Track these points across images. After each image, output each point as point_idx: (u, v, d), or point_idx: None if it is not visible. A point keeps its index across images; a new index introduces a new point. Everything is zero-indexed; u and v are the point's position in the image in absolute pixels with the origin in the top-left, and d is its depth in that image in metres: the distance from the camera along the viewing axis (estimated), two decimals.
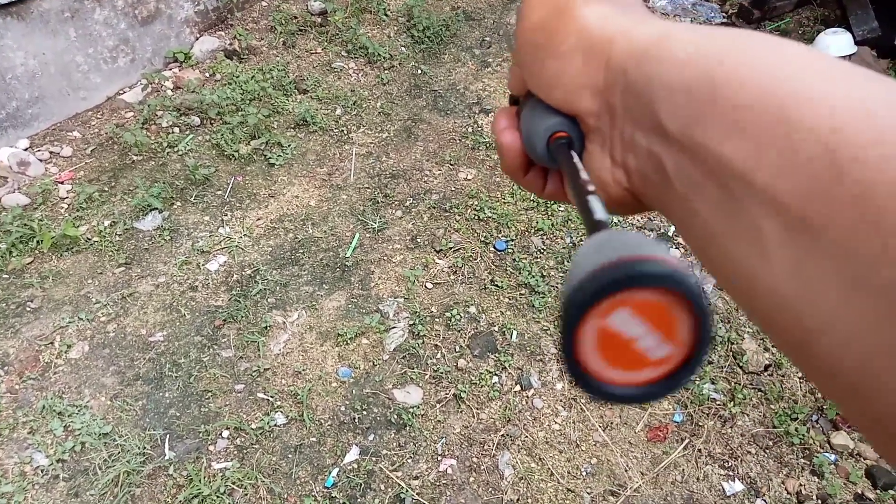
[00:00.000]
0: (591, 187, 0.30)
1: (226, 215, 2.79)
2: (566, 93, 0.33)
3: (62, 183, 2.88)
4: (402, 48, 3.72)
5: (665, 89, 0.27)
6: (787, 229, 0.22)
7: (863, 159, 0.20)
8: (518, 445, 2.11)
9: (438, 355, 2.33)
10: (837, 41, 3.63)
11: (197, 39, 3.59)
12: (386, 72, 3.56)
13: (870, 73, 0.23)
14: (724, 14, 4.10)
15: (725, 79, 0.25)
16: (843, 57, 3.60)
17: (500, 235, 2.73)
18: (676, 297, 0.22)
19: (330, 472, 2.03)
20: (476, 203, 2.85)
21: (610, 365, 0.24)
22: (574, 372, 0.24)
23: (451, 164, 3.06)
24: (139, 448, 2.05)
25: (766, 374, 2.29)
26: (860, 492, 1.99)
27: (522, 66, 0.36)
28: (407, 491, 1.99)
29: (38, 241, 2.57)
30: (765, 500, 1.99)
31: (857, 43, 3.64)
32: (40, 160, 2.96)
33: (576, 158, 0.33)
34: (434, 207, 2.85)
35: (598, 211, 0.28)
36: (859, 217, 0.20)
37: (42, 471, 2.00)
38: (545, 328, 2.42)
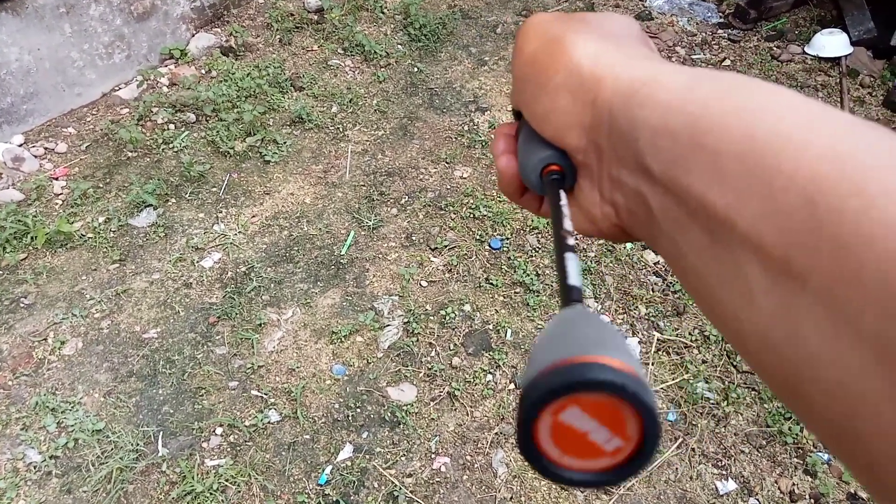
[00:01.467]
0: (570, 240, 0.31)
1: (221, 212, 2.79)
2: (555, 129, 0.33)
3: (57, 179, 2.87)
4: (399, 46, 3.71)
5: (649, 132, 0.27)
6: (770, 276, 0.22)
7: (841, 210, 0.20)
8: (512, 444, 2.11)
9: (433, 353, 2.33)
10: (833, 41, 3.64)
11: (193, 36, 3.58)
12: (382, 69, 3.56)
13: (853, 120, 0.23)
14: (720, 14, 4.10)
15: (708, 124, 0.25)
16: (840, 57, 3.61)
17: (495, 234, 2.73)
18: (621, 401, 0.23)
19: (323, 470, 2.03)
20: (471, 201, 2.85)
21: (565, 453, 0.25)
22: (531, 457, 0.25)
23: (447, 163, 3.05)
24: (132, 445, 2.05)
25: None
26: (853, 491, 2.00)
27: (517, 96, 0.36)
28: (400, 489, 1.99)
29: (32, 238, 2.57)
30: (758, 500, 2.00)
31: (853, 43, 3.65)
32: (35, 156, 2.95)
33: (563, 200, 0.33)
34: (429, 205, 2.85)
35: (573, 275, 0.29)
36: (840, 267, 0.20)
37: (35, 467, 1.99)
38: (540, 326, 2.42)
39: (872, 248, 0.19)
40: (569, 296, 0.28)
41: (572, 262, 0.29)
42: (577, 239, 0.31)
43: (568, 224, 0.32)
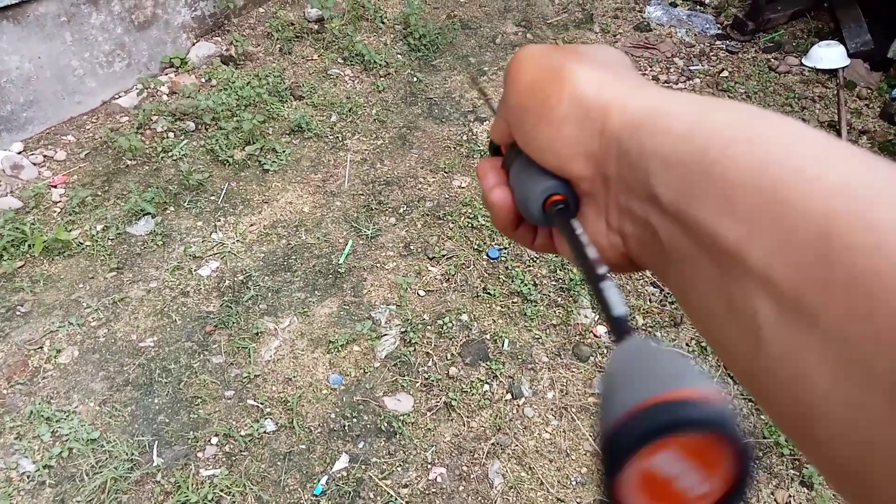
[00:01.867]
0: (601, 268, 0.30)
1: (219, 221, 2.79)
2: (559, 158, 0.32)
3: (55, 187, 2.87)
4: (399, 56, 3.73)
5: (659, 161, 0.27)
6: (781, 312, 0.22)
7: (855, 246, 0.20)
8: (508, 454, 2.10)
9: (430, 363, 2.33)
10: (831, 53, 3.66)
11: (193, 45, 3.60)
12: (382, 79, 3.57)
13: (865, 154, 0.22)
14: (718, 25, 4.12)
15: (718, 154, 0.25)
16: (837, 69, 3.63)
17: (493, 243, 2.73)
18: (720, 437, 0.22)
19: (319, 480, 2.02)
20: (470, 211, 2.85)
21: (649, 502, 0.23)
22: None
23: (446, 172, 3.06)
24: (127, 454, 2.04)
25: None
26: None
27: (513, 126, 0.35)
28: (396, 499, 1.98)
29: (29, 245, 2.57)
30: None
31: (850, 55, 3.67)
32: (34, 164, 2.95)
33: (579, 229, 0.32)
34: (428, 215, 2.85)
35: (617, 304, 0.28)
36: (852, 305, 0.19)
37: (28, 477, 1.98)
38: (537, 336, 2.41)
39: (885, 286, 0.19)
40: (621, 328, 0.27)
41: (612, 291, 0.28)
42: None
43: (593, 252, 0.31)
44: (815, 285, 0.20)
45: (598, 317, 2.49)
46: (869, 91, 3.53)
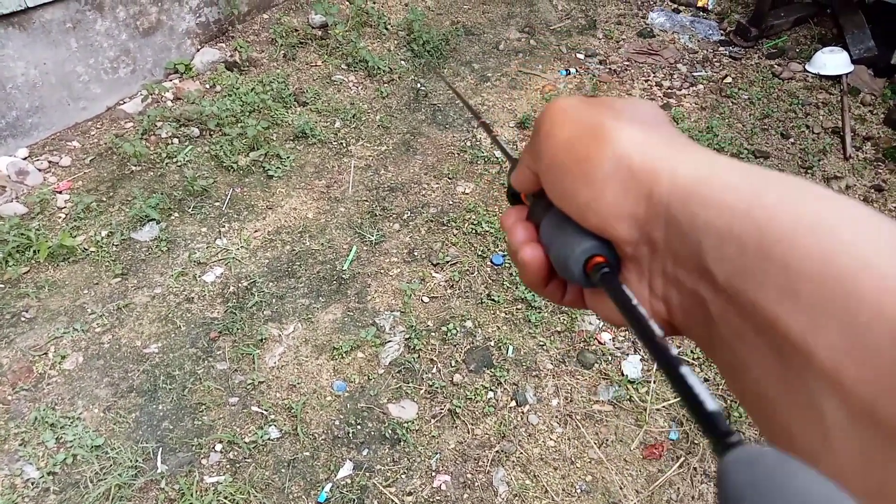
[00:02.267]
0: (673, 348, 0.26)
1: (223, 227, 2.79)
2: (601, 219, 0.31)
3: (60, 193, 2.88)
4: (402, 62, 3.74)
5: (713, 236, 0.26)
6: (854, 419, 0.20)
7: None
8: (513, 462, 2.10)
9: (434, 370, 2.32)
10: (834, 59, 3.66)
11: (198, 51, 3.61)
12: (385, 85, 3.58)
13: None
14: (721, 31, 4.13)
15: (778, 235, 0.23)
16: (840, 75, 3.63)
17: (497, 249, 2.73)
18: None
19: (323, 488, 2.01)
20: (474, 217, 2.85)
21: None
22: None
23: (450, 178, 3.06)
24: (131, 461, 2.04)
25: None
26: None
27: (547, 183, 0.34)
28: None
29: (34, 251, 2.57)
30: None
31: (853, 62, 3.67)
32: (39, 170, 2.96)
33: (635, 299, 0.30)
34: (432, 221, 2.85)
35: (705, 395, 0.24)
36: None
37: (33, 483, 1.98)
38: (541, 343, 2.41)
39: None
40: (723, 432, 0.22)
41: (694, 378, 0.24)
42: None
43: (656, 328, 0.28)
44: (893, 395, 0.19)
45: (601, 324, 2.48)
46: (873, 97, 3.53)
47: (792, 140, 3.34)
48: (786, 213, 0.24)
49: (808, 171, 3.17)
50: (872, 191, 3.07)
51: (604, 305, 0.34)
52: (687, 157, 0.29)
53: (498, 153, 3.14)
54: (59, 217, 2.79)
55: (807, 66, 3.75)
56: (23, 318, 2.40)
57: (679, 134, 0.32)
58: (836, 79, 3.65)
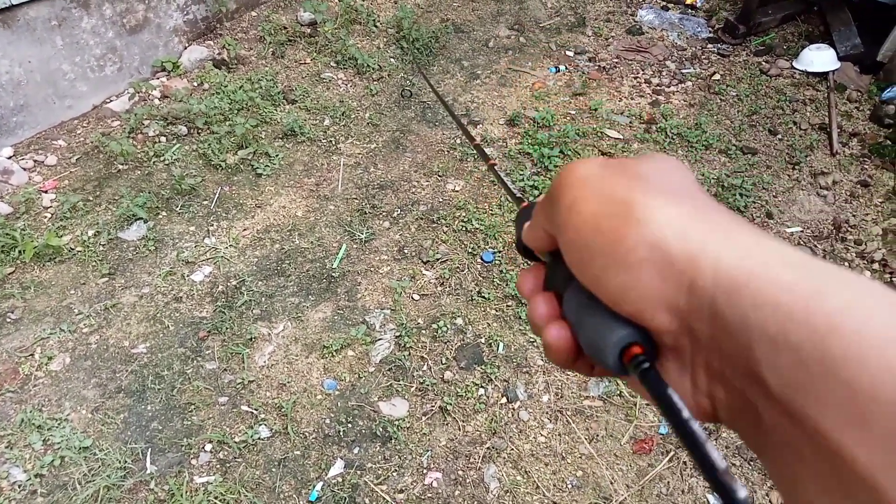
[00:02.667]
0: (716, 456, 0.24)
1: (212, 225, 2.78)
2: (637, 308, 0.28)
3: (46, 192, 2.85)
4: (392, 59, 3.73)
5: (765, 341, 0.23)
6: None
7: None
8: (504, 458, 2.10)
9: (424, 367, 2.32)
10: (821, 57, 3.68)
11: (185, 49, 3.58)
12: (375, 83, 3.57)
13: None
14: (710, 29, 4.15)
15: (844, 351, 0.21)
16: (827, 72, 3.65)
17: (487, 247, 2.73)
18: None
19: (314, 486, 2.01)
20: (463, 214, 2.85)
21: None
22: None
23: (439, 176, 3.06)
24: (120, 462, 2.02)
25: None
26: None
27: (573, 262, 0.31)
28: None
29: (19, 251, 2.54)
30: None
31: (840, 59, 3.70)
32: (24, 169, 2.93)
33: (675, 396, 0.27)
34: (421, 218, 2.85)
35: (738, 487, 0.23)
36: None
37: (19, 486, 1.96)
38: (531, 340, 2.41)
39: None
40: None
41: (730, 477, 0.24)
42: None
43: (700, 431, 0.25)
44: None
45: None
46: (859, 94, 3.56)
47: (779, 136, 3.36)
48: (853, 323, 0.21)
49: (796, 166, 3.19)
50: (859, 186, 3.10)
51: (639, 386, 0.31)
52: (729, 241, 0.26)
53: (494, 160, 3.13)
54: (45, 216, 2.76)
55: (794, 63, 3.78)
56: (8, 319, 2.38)
57: (713, 204, 0.30)
58: (823, 75, 3.68)
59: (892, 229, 2.90)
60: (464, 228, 2.80)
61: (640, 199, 0.29)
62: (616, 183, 0.30)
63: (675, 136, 3.30)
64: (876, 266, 2.75)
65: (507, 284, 2.57)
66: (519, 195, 0.48)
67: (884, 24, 3.56)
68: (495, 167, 0.55)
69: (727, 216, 0.28)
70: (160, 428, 2.12)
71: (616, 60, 3.87)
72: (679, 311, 0.27)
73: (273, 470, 2.04)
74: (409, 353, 2.35)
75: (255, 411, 2.17)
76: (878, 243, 2.84)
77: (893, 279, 2.67)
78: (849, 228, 2.92)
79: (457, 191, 2.99)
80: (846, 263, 2.77)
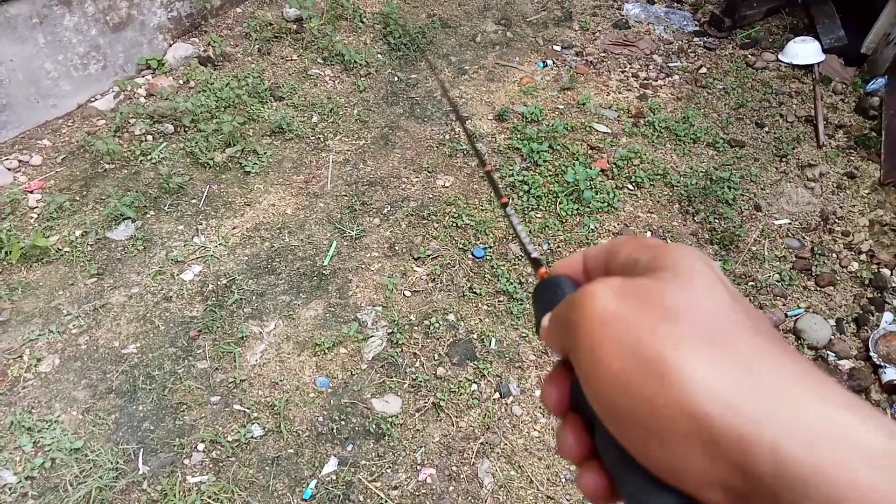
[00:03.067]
0: None
1: (200, 224, 2.76)
2: (686, 485, 0.25)
3: (31, 192, 2.82)
4: (379, 55, 3.71)
5: None
6: None
7: None
8: (497, 453, 2.11)
9: (417, 364, 2.32)
10: (806, 49, 3.71)
11: (170, 46, 3.55)
12: (362, 79, 3.55)
13: None
14: (696, 22, 4.16)
15: None
16: (812, 64, 3.68)
17: (478, 242, 2.73)
18: None
19: (308, 484, 2.00)
20: (454, 210, 2.85)
21: None
22: None
23: (429, 172, 3.05)
24: (112, 463, 2.01)
25: None
26: None
27: (605, 417, 0.28)
28: (386, 501, 1.98)
29: (6, 253, 2.51)
30: None
31: (825, 51, 3.73)
32: (8, 169, 2.89)
33: None
34: (412, 215, 2.84)
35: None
36: None
37: (10, 489, 1.94)
38: (523, 335, 2.42)
39: None
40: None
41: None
42: None
43: None
44: None
45: None
46: (844, 86, 3.59)
47: (766, 129, 3.39)
48: None
49: (783, 159, 3.22)
50: (845, 178, 3.13)
51: None
52: (787, 417, 0.23)
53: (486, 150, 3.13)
54: (31, 217, 2.73)
55: (780, 56, 3.81)
56: None
57: (756, 344, 0.26)
58: (809, 68, 3.71)
59: (878, 220, 2.94)
60: (454, 224, 2.80)
61: (671, 356, 0.25)
62: (642, 328, 0.26)
63: (662, 130, 3.31)
64: (863, 257, 2.78)
65: (498, 280, 2.58)
66: (535, 254, 0.42)
67: (867, 16, 3.59)
68: (506, 206, 0.49)
69: (775, 367, 0.25)
70: (152, 428, 2.11)
71: (603, 55, 3.87)
72: (734, 490, 0.24)
73: (266, 468, 2.04)
74: (402, 350, 2.35)
75: (247, 410, 2.17)
76: (865, 234, 2.88)
77: (880, 269, 2.70)
78: (836, 220, 2.95)
79: (447, 187, 2.98)
80: (834, 255, 2.80)
